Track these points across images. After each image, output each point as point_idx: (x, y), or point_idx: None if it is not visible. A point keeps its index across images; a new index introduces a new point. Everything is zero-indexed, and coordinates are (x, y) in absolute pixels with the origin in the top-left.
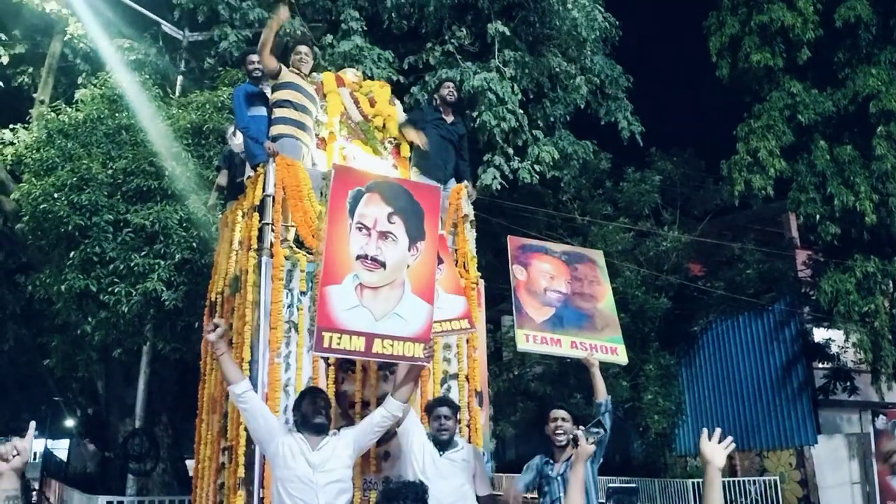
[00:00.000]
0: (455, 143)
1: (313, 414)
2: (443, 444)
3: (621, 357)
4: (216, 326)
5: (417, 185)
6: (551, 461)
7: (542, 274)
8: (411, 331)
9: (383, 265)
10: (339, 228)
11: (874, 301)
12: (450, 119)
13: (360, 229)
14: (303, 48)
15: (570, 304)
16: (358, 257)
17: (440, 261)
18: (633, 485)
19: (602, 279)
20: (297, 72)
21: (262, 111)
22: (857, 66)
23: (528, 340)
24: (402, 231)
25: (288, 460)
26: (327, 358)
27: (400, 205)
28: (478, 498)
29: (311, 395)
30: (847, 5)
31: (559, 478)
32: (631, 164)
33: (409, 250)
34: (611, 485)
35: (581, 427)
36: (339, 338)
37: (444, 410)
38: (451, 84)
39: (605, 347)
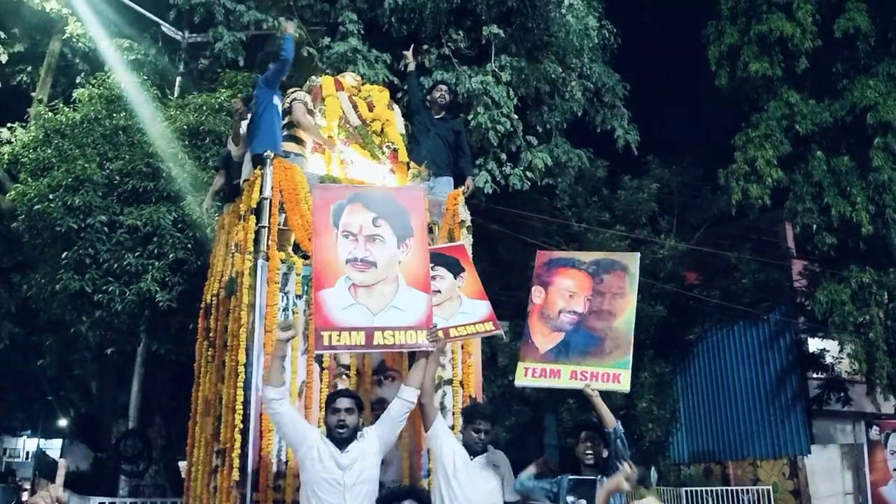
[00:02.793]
0: (450, 141)
1: (336, 427)
2: (475, 451)
3: (623, 384)
4: (289, 327)
5: (399, 189)
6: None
7: (562, 293)
8: (411, 320)
9: (374, 265)
10: (324, 240)
11: (869, 312)
12: (441, 115)
13: (346, 237)
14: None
15: (583, 327)
16: (347, 261)
17: (461, 269)
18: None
19: (628, 290)
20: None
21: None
22: (856, 78)
23: (527, 375)
24: (389, 231)
25: (316, 463)
26: (321, 361)
27: (383, 209)
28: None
29: (332, 405)
30: (846, 16)
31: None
32: (628, 171)
33: (399, 248)
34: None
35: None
36: (339, 335)
37: (483, 424)
38: (443, 87)
39: (608, 375)
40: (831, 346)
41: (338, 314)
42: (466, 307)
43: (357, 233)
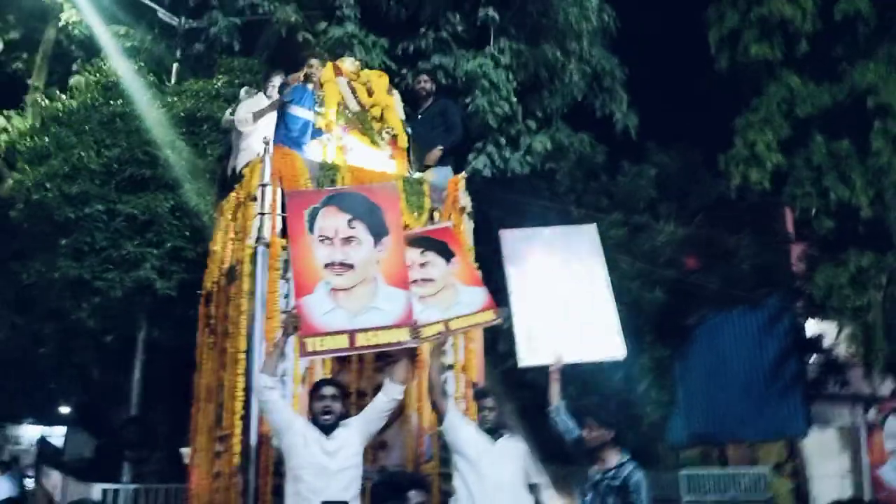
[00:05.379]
0: (435, 124)
1: (320, 414)
2: (490, 433)
3: (619, 352)
4: (294, 324)
5: (371, 188)
6: (593, 463)
7: (537, 270)
8: (392, 319)
9: (352, 266)
10: (301, 246)
11: (868, 295)
12: (425, 106)
13: (322, 241)
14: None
15: (567, 302)
16: (326, 265)
17: (451, 253)
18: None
19: (596, 259)
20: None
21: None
22: (856, 61)
23: (529, 355)
24: (365, 232)
25: (301, 449)
26: None
27: (357, 210)
28: (530, 485)
29: (317, 392)
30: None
31: (599, 484)
32: (628, 156)
33: (376, 247)
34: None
35: None
36: (322, 340)
37: (488, 402)
38: (422, 76)
39: (604, 345)
40: (829, 329)
41: (319, 319)
42: (463, 296)
43: (333, 236)
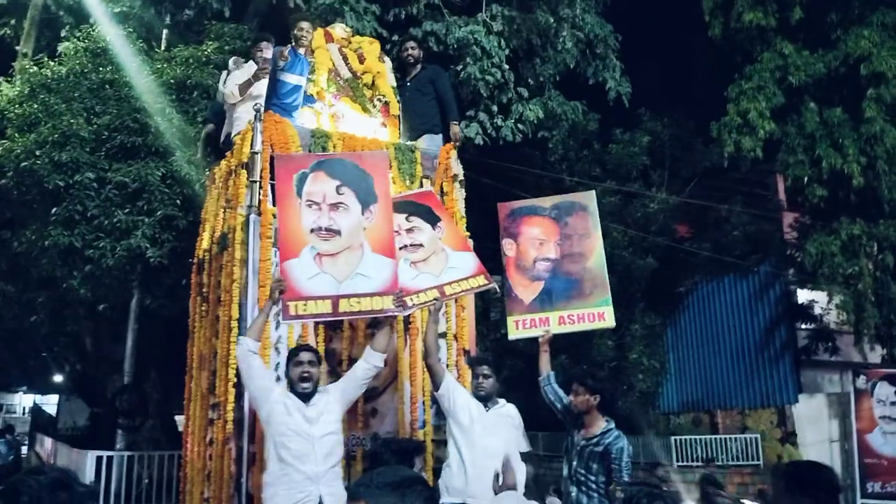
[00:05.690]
0: (425, 91)
1: (298, 381)
2: (483, 401)
3: (608, 321)
4: (283, 286)
5: (362, 155)
6: (580, 429)
7: (532, 242)
8: (376, 286)
9: (338, 233)
10: (288, 210)
11: (858, 263)
12: (413, 73)
13: (310, 206)
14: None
15: (559, 272)
16: (312, 230)
17: (437, 217)
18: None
19: (592, 228)
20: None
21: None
22: (850, 28)
23: (518, 327)
24: (353, 199)
25: (283, 416)
26: None
27: (347, 176)
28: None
29: (294, 358)
30: None
31: (583, 450)
32: (620, 124)
33: (363, 214)
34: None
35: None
36: (305, 304)
37: (485, 369)
38: (409, 43)
39: (593, 315)
40: (820, 297)
41: (304, 284)
42: (454, 261)
43: (320, 201)
